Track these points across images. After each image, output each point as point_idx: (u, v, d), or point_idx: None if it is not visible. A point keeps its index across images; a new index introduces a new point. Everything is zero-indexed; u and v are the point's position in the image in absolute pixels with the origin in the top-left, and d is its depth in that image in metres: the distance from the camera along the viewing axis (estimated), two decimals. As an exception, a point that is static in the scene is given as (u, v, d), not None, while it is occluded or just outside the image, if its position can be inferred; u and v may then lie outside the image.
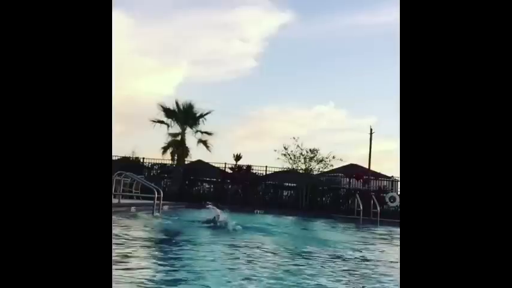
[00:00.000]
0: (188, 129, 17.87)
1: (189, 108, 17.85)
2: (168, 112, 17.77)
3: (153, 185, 10.35)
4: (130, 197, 11.70)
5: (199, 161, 18.90)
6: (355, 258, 4.84)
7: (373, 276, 3.65)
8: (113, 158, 17.28)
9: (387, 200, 16.51)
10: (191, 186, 18.55)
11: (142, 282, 2.63)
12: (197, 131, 17.96)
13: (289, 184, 18.35)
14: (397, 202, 16.08)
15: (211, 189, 18.95)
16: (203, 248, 4.67)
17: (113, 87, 1.46)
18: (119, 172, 10.37)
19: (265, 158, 35.79)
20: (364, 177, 19.04)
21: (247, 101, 31.75)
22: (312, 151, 17.16)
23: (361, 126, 32.51)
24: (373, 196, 15.02)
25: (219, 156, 26.94)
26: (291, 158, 17.14)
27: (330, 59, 29.22)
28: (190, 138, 17.87)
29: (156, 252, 4.25)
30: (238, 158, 18.31)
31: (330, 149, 25.52)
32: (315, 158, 17.13)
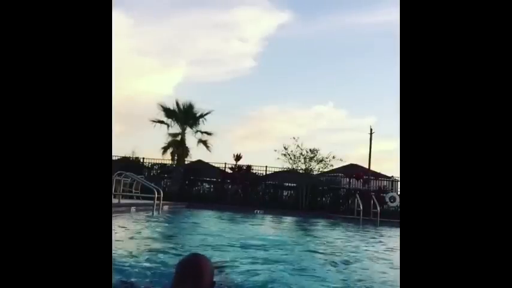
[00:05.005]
0: (188, 129, 17.89)
1: (189, 108, 17.87)
2: (168, 112, 17.79)
3: (153, 185, 10.37)
4: (131, 197, 11.70)
5: (199, 161, 18.91)
6: None
7: None
8: (113, 158, 17.28)
9: (387, 200, 16.51)
10: (191, 186, 18.56)
11: None
12: (197, 131, 18.00)
13: (289, 184, 18.35)
14: (397, 202, 16.08)
15: (211, 189, 18.95)
16: None
17: (113, 87, 1.46)
18: (119, 172, 10.38)
19: (265, 158, 35.87)
20: (364, 177, 19.03)
21: (247, 101, 31.81)
22: (312, 151, 17.17)
23: (361, 126, 32.57)
24: (373, 196, 15.02)
25: (219, 156, 27.01)
26: (291, 158, 17.15)
27: (329, 59, 29.28)
28: (190, 138, 17.93)
29: None
30: (238, 158, 18.31)
31: (330, 149, 25.57)
32: (315, 158, 17.14)
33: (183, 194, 16.52)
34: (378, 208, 13.82)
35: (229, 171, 18.42)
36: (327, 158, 17.09)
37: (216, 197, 17.43)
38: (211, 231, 7.31)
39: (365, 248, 6.48)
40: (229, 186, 18.18)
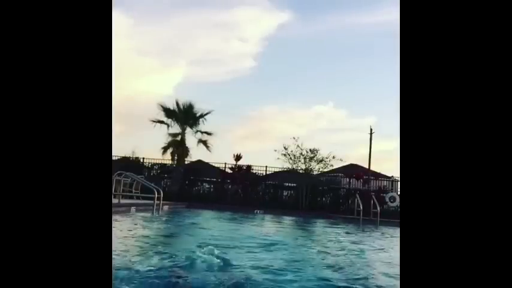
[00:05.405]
0: (188, 129, 17.88)
1: (189, 108, 17.86)
2: (168, 112, 17.78)
3: (153, 185, 10.36)
4: (131, 197, 11.70)
5: (199, 161, 18.90)
6: None
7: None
8: (113, 158, 17.29)
9: (387, 200, 16.50)
10: (191, 186, 18.54)
11: None
12: (197, 131, 17.99)
13: (289, 184, 18.33)
14: (397, 202, 16.08)
15: (211, 189, 18.95)
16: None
17: (113, 87, 1.46)
18: (119, 172, 10.38)
19: (265, 158, 35.82)
20: (364, 177, 19.02)
21: (247, 101, 31.72)
22: (312, 151, 17.16)
23: (361, 126, 32.45)
24: (373, 196, 15.01)
25: (219, 156, 26.99)
26: (291, 158, 17.14)
27: (329, 59, 29.20)
28: (190, 138, 17.90)
29: None
30: (238, 158, 18.30)
31: (330, 149, 25.60)
32: (315, 158, 17.13)
33: (183, 194, 16.50)
34: (378, 208, 13.81)
35: (229, 171, 18.40)
36: (327, 158, 17.09)
37: (216, 197, 17.42)
38: (211, 231, 7.31)
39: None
40: (229, 186, 18.16)
